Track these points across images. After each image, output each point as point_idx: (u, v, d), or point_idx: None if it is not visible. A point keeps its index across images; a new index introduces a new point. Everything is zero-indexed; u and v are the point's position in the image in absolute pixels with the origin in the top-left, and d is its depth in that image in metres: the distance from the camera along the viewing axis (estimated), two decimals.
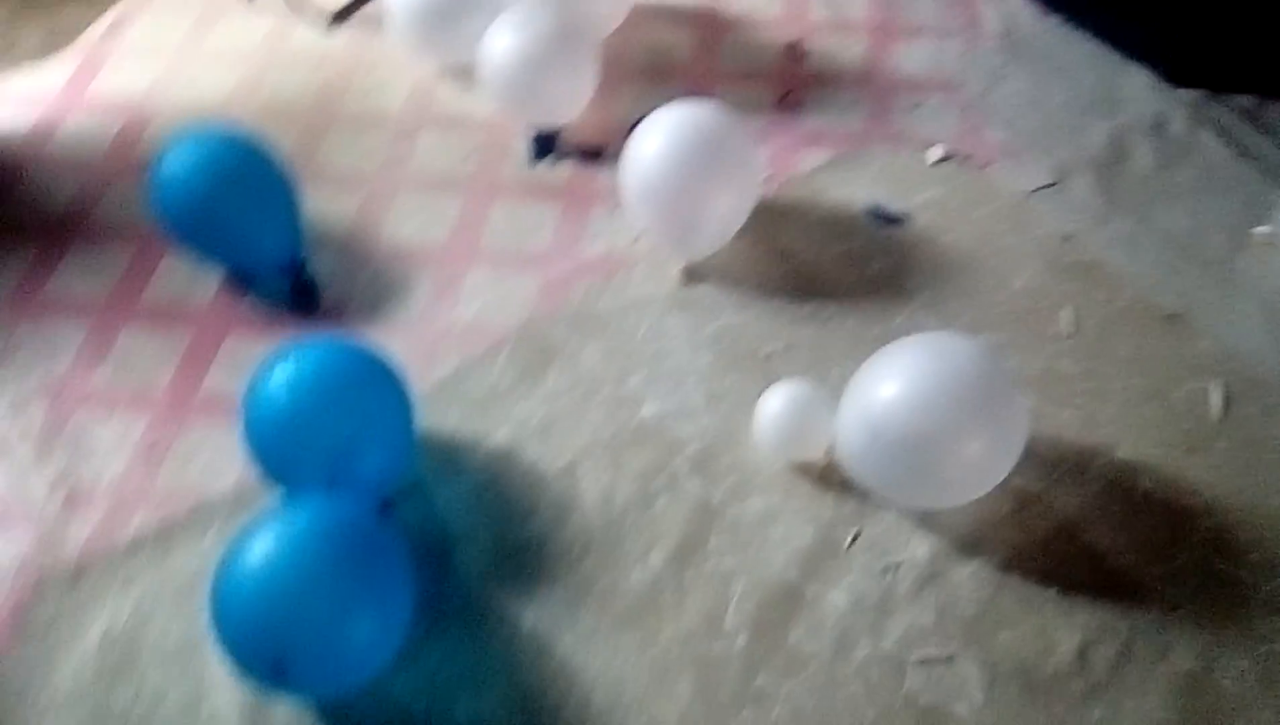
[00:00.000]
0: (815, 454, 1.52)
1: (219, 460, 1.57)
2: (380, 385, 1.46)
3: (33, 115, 2.09)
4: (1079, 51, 2.13)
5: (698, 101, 1.73)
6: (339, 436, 1.40)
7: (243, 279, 1.79)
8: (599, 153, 1.97)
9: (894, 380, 1.40)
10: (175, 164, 1.69)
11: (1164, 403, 1.60)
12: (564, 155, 1.97)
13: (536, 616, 1.41)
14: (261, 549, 1.26)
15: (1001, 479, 1.41)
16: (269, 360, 1.44)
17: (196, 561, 1.47)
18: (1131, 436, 1.56)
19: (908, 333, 1.65)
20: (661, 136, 1.69)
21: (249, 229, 1.71)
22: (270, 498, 1.50)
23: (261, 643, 1.25)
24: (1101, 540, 1.46)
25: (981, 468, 1.40)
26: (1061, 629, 1.39)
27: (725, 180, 1.70)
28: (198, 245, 1.73)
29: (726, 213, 1.72)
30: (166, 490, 1.55)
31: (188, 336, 1.72)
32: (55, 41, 2.26)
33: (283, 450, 1.42)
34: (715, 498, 1.51)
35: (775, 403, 1.52)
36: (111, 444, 1.60)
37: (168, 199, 1.70)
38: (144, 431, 1.61)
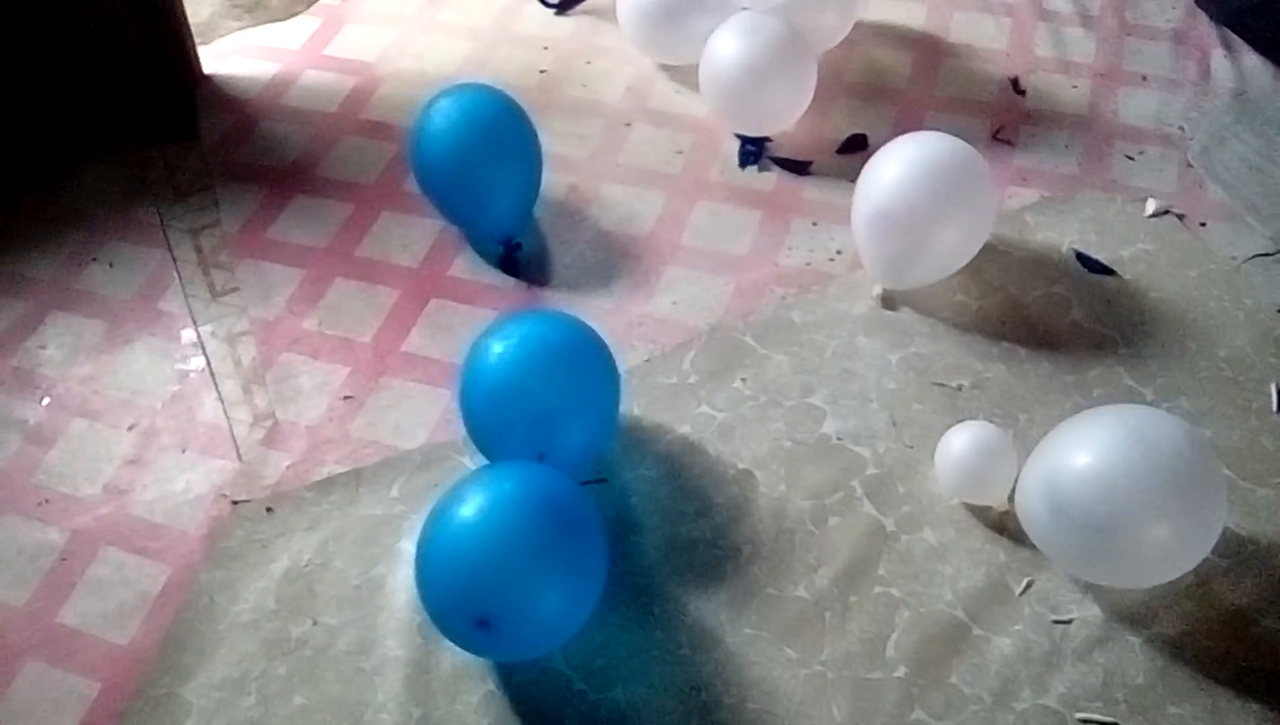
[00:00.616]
0: (994, 500, 1.50)
1: (411, 418, 1.63)
2: (596, 364, 1.50)
3: (273, 69, 2.21)
4: None
5: (947, 136, 1.72)
6: (551, 408, 1.45)
7: (469, 236, 1.86)
8: (806, 165, 1.98)
9: (1086, 455, 1.35)
10: (444, 111, 1.78)
11: None
12: (771, 164, 1.99)
13: (700, 614, 1.42)
14: (487, 510, 1.30)
15: (1188, 569, 1.37)
16: (493, 327, 1.49)
17: (380, 511, 1.53)
18: None
19: (1102, 385, 1.64)
20: (906, 165, 1.68)
21: (499, 185, 1.79)
22: (458, 461, 1.56)
23: (472, 600, 1.28)
24: None
25: (1167, 558, 1.35)
26: (1234, 713, 1.33)
27: (962, 220, 1.68)
28: (444, 193, 1.81)
29: (953, 252, 1.70)
30: (359, 440, 1.62)
31: (395, 294, 1.79)
32: (301, 2, 2.38)
33: (495, 416, 1.46)
34: (889, 524, 1.50)
35: (959, 444, 1.50)
36: (313, 388, 1.67)
37: (430, 144, 1.78)
38: (344, 381, 1.68)
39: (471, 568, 1.29)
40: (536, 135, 1.84)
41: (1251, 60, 2.17)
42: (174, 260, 1.84)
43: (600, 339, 1.51)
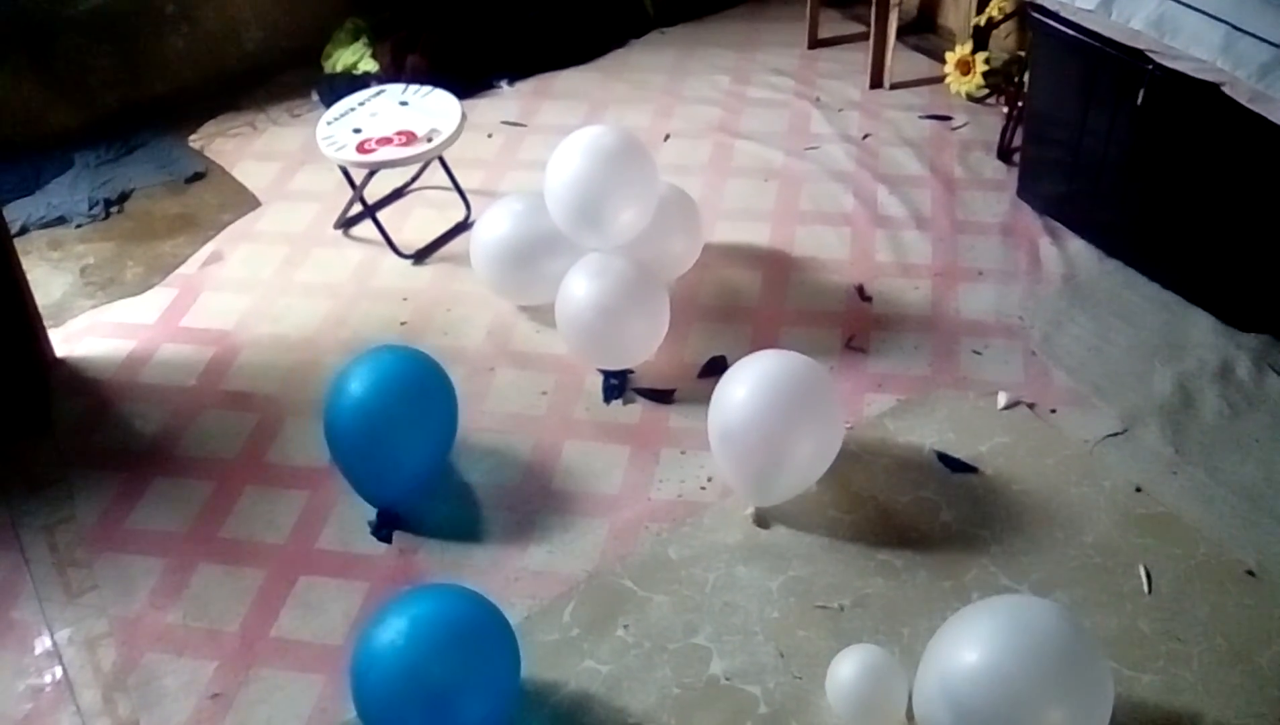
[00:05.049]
0: (892, 722, 1.48)
1: (283, 711, 1.56)
2: (491, 637, 1.48)
3: (128, 346, 2.18)
4: (1141, 295, 2.16)
5: (787, 353, 1.78)
6: (447, 686, 1.42)
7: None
8: (670, 393, 2.01)
9: (975, 649, 1.37)
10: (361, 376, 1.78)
11: (1249, 666, 1.55)
12: (635, 395, 2.01)
13: None
14: None
15: None
16: (386, 608, 1.46)
17: None
18: (1216, 704, 1.51)
19: (979, 587, 1.65)
20: (751, 383, 1.73)
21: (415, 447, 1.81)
22: None
23: None
24: None
25: None
26: None
27: (811, 431, 1.73)
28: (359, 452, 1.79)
29: (808, 463, 1.74)
30: None
31: (262, 575, 1.74)
32: (156, 273, 2.38)
33: (392, 700, 1.42)
34: None
35: (847, 671, 1.49)
36: (179, 689, 1.59)
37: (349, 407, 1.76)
38: (211, 676, 1.61)
39: None
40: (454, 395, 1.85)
41: (1075, 245, 2.29)
42: (26, 562, 1.77)
43: (496, 610, 1.50)
